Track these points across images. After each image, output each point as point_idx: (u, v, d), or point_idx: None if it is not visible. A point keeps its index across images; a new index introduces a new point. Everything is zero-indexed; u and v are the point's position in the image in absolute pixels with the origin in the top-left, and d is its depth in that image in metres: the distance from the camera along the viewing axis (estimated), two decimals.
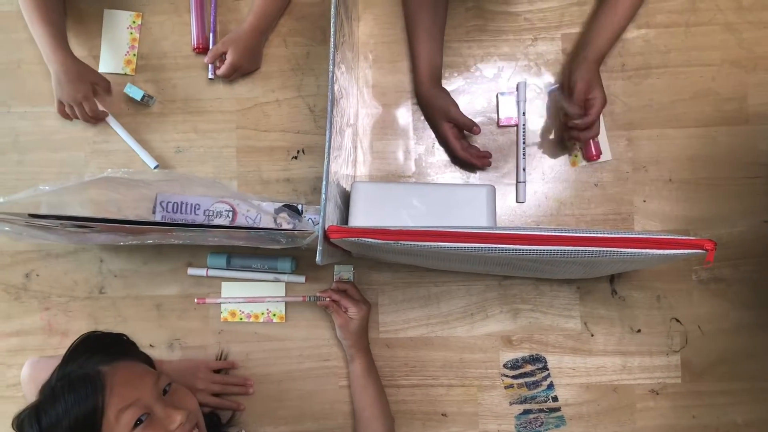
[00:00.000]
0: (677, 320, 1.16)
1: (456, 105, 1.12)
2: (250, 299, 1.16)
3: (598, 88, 1.08)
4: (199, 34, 1.21)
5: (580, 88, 1.07)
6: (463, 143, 1.14)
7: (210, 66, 1.20)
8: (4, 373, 1.21)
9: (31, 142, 1.22)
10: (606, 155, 1.17)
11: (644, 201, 1.17)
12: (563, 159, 1.18)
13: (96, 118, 1.18)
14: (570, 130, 1.11)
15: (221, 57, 1.17)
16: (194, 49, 1.21)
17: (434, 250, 0.88)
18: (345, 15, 1.02)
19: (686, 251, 0.85)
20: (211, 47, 1.20)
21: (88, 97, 1.15)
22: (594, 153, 1.16)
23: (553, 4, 1.19)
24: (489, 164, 1.16)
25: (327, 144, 0.86)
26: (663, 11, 1.18)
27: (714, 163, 1.16)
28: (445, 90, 1.14)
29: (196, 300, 1.15)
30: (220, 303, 1.17)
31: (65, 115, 1.18)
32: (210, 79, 1.21)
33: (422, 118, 1.20)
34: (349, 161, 1.11)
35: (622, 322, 1.17)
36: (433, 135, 1.20)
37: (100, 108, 1.18)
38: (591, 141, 1.15)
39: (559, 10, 1.19)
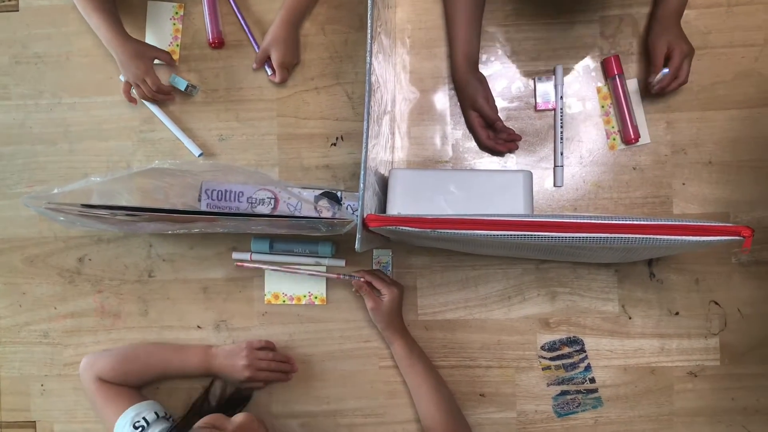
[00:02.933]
0: (716, 303, 1.16)
1: (486, 94, 1.13)
2: (287, 268, 1.17)
3: (677, 42, 1.09)
4: (213, 29, 1.24)
5: (657, 49, 1.10)
6: (488, 132, 1.16)
7: (266, 68, 1.23)
8: (61, 352, 1.27)
9: (81, 132, 1.27)
10: (645, 138, 1.16)
11: (683, 184, 1.16)
12: (602, 142, 1.18)
13: (160, 92, 1.22)
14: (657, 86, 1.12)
15: (267, 60, 1.20)
16: (210, 44, 1.24)
17: (471, 237, 0.90)
18: (381, 3, 1.03)
19: (723, 238, 0.85)
20: (253, 45, 1.23)
21: (149, 71, 1.20)
22: (633, 136, 1.15)
23: None
24: (516, 147, 1.17)
25: (365, 135, 0.88)
26: None
27: (757, 145, 1.15)
28: (479, 77, 1.15)
29: (235, 261, 1.20)
30: (259, 267, 1.17)
31: (130, 98, 1.23)
32: (271, 81, 1.24)
33: (455, 103, 1.21)
34: (387, 147, 1.13)
35: (660, 305, 1.17)
36: None
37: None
38: (630, 123, 1.15)
39: None
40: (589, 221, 0.86)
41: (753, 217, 1.14)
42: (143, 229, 1.17)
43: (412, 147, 1.22)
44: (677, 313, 1.17)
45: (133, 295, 1.26)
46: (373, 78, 0.92)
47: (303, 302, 1.22)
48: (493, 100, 1.15)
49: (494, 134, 1.17)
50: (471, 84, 1.14)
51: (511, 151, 1.19)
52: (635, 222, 0.85)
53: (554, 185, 1.19)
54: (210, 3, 1.24)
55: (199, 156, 1.22)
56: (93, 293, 1.26)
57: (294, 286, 1.22)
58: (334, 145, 1.23)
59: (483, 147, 1.20)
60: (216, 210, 1.16)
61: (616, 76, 1.16)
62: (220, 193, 1.17)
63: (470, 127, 1.18)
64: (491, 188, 1.03)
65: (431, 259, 1.20)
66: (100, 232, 1.25)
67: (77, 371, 1.21)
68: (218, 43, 1.24)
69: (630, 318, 1.17)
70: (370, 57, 0.91)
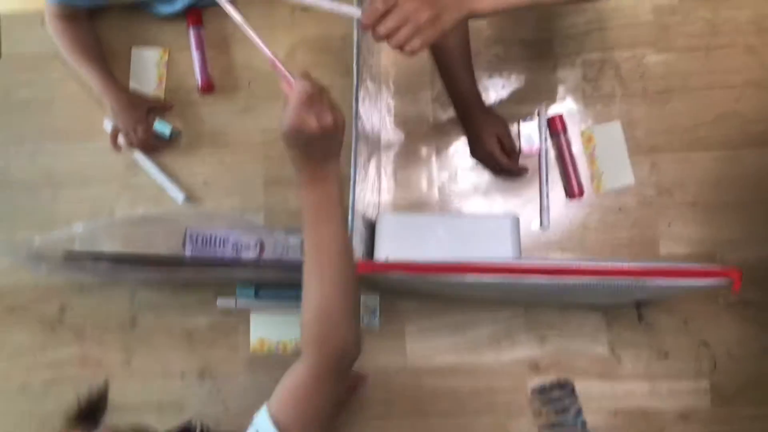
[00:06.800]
0: (705, 344, 1.16)
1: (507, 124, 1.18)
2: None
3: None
4: (203, 74, 1.25)
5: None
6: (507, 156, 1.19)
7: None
8: (42, 403, 1.23)
9: (64, 178, 1.26)
10: (629, 179, 1.17)
11: (669, 225, 1.17)
12: (586, 184, 1.18)
13: (149, 142, 1.22)
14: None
15: None
16: (200, 89, 1.25)
17: (460, 282, 0.89)
18: (367, 51, 1.04)
19: (712, 281, 0.86)
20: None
21: (141, 121, 1.20)
22: (576, 192, 1.18)
23: (572, 30, 1.20)
24: (527, 171, 1.19)
25: (352, 181, 0.88)
26: (683, 35, 1.18)
27: (740, 185, 1.16)
28: (493, 110, 1.19)
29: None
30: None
31: (116, 145, 1.23)
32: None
33: (440, 146, 1.22)
34: (373, 189, 1.13)
35: (649, 347, 1.16)
36: (455, 163, 1.21)
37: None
38: (573, 179, 1.18)
39: (579, 38, 1.20)
40: (576, 266, 0.86)
41: (739, 257, 1.15)
42: (126, 278, 1.15)
43: (399, 189, 1.22)
44: (667, 355, 1.16)
45: (115, 343, 1.23)
46: (359, 123, 0.93)
47: (289, 350, 1.19)
48: None
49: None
50: (493, 115, 1.18)
51: (523, 174, 1.19)
52: (623, 266, 0.85)
53: (541, 227, 1.19)
54: (199, 49, 1.24)
55: (184, 201, 1.21)
56: (75, 342, 1.24)
57: (281, 331, 1.20)
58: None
59: (501, 171, 1.20)
60: (200, 256, 1.15)
61: (560, 134, 1.18)
62: (204, 239, 1.16)
63: (490, 153, 1.17)
64: (479, 232, 1.04)
65: (420, 303, 1.19)
66: (82, 279, 1.23)
67: (58, 423, 1.17)
68: (208, 88, 1.24)
69: (620, 360, 1.16)
70: (357, 103, 0.92)
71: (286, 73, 0.73)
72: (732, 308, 1.15)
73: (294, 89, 0.71)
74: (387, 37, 0.77)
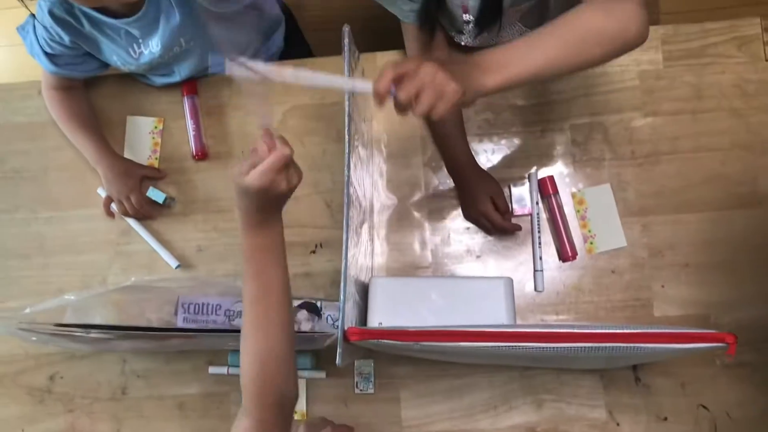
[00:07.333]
0: (704, 407, 1.14)
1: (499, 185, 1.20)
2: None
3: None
4: (197, 142, 1.26)
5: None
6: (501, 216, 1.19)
7: None
8: None
9: (56, 246, 1.25)
10: (621, 242, 1.18)
11: (662, 286, 1.17)
12: (579, 246, 1.19)
13: (142, 210, 1.22)
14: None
15: None
16: (194, 157, 1.26)
17: (454, 349, 0.89)
18: (358, 117, 1.05)
19: (707, 345, 0.85)
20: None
21: (135, 189, 1.21)
22: (570, 254, 1.18)
23: (560, 96, 1.22)
24: (520, 228, 1.19)
25: (344, 247, 0.89)
26: (669, 99, 1.21)
27: (730, 247, 1.17)
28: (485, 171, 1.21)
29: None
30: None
31: (109, 213, 1.24)
32: None
33: (432, 209, 1.23)
34: (366, 253, 1.13)
35: (647, 410, 1.15)
36: (448, 225, 1.22)
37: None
38: (566, 241, 1.18)
39: (566, 103, 1.22)
40: (571, 330, 0.86)
41: (733, 319, 1.14)
42: (118, 348, 1.14)
43: (392, 253, 1.22)
44: (666, 419, 1.14)
45: (105, 413, 1.21)
46: (351, 190, 0.93)
47: None
48: None
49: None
50: (486, 175, 1.19)
51: (516, 231, 1.20)
52: (618, 331, 0.85)
53: (535, 290, 1.19)
54: (193, 117, 1.26)
55: (177, 268, 1.21)
56: (64, 413, 1.21)
57: None
58: (314, 252, 1.22)
59: (495, 230, 1.20)
60: (192, 324, 1.14)
61: (551, 196, 1.19)
62: (197, 306, 1.15)
63: (483, 213, 1.18)
64: (473, 295, 1.03)
65: (415, 369, 1.18)
66: (73, 348, 1.22)
67: None
68: (202, 155, 1.26)
69: (618, 425, 1.15)
70: (349, 170, 0.93)
71: (275, 139, 0.75)
72: (729, 370, 1.15)
73: (275, 153, 0.73)
74: (409, 103, 0.77)
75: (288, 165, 0.75)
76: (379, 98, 0.77)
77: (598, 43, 0.85)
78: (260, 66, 0.76)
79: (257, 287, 0.81)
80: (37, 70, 1.22)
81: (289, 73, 0.80)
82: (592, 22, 0.85)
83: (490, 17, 1.11)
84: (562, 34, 0.85)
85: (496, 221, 1.18)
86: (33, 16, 1.13)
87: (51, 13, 1.10)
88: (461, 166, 1.20)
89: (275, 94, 1.27)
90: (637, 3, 0.85)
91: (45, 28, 1.12)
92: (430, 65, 0.76)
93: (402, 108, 0.78)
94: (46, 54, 1.16)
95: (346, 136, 0.93)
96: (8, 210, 1.27)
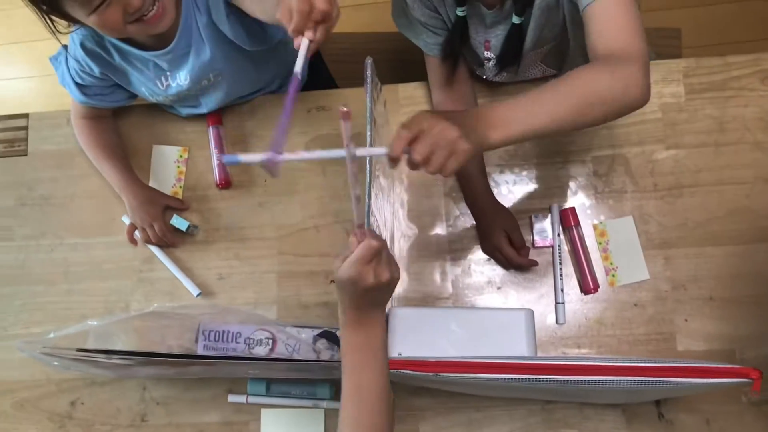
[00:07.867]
0: None
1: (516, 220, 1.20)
2: None
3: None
4: (221, 171, 1.28)
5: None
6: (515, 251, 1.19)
7: None
8: None
9: (81, 272, 1.27)
10: (644, 275, 1.17)
11: (686, 320, 1.15)
12: (601, 279, 1.18)
13: (165, 238, 1.24)
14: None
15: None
16: (218, 185, 1.28)
17: (475, 380, 0.88)
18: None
19: (731, 380, 0.84)
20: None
21: (157, 218, 1.23)
22: (592, 286, 1.17)
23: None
24: (536, 264, 1.19)
25: None
26: (691, 132, 1.20)
27: (756, 281, 1.15)
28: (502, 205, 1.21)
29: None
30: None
31: (132, 240, 1.26)
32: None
33: (453, 239, 1.23)
34: None
35: None
36: (469, 256, 1.22)
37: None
38: (588, 273, 1.17)
39: (587, 135, 1.22)
40: (593, 363, 0.85)
41: (759, 354, 1.12)
42: (138, 374, 1.15)
43: (412, 283, 1.22)
44: None
45: None
46: (372, 219, 0.94)
47: None
48: None
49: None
50: (502, 209, 1.20)
51: (532, 266, 1.20)
52: (641, 364, 0.84)
53: (556, 322, 1.18)
54: (218, 147, 1.28)
55: (198, 296, 1.22)
56: None
57: (291, 428, 1.18)
58: (333, 282, 1.23)
59: (511, 265, 1.20)
60: (212, 352, 1.14)
61: (573, 227, 1.19)
62: (217, 334, 1.16)
63: (498, 247, 1.18)
64: (493, 327, 1.03)
65: (433, 400, 1.17)
66: (94, 374, 1.23)
67: None
68: (225, 184, 1.27)
69: None
70: (369, 199, 0.93)
71: (364, 221, 0.78)
72: (756, 407, 1.12)
73: (362, 244, 0.75)
74: (423, 163, 0.77)
75: (378, 259, 0.77)
76: (395, 162, 0.78)
77: (602, 103, 0.85)
78: (279, 157, 0.77)
79: (351, 386, 0.83)
80: (66, 99, 1.25)
81: (304, 154, 0.83)
82: (597, 82, 0.86)
83: (510, 58, 1.13)
84: (567, 93, 0.86)
85: (509, 256, 1.18)
86: (65, 47, 1.17)
87: (82, 46, 1.13)
88: (477, 199, 1.21)
89: (298, 123, 1.29)
90: (640, 66, 0.86)
91: (76, 59, 1.16)
92: (441, 124, 0.78)
93: (415, 167, 0.79)
94: (77, 84, 1.19)
95: (368, 165, 0.93)
96: (35, 236, 1.29)
